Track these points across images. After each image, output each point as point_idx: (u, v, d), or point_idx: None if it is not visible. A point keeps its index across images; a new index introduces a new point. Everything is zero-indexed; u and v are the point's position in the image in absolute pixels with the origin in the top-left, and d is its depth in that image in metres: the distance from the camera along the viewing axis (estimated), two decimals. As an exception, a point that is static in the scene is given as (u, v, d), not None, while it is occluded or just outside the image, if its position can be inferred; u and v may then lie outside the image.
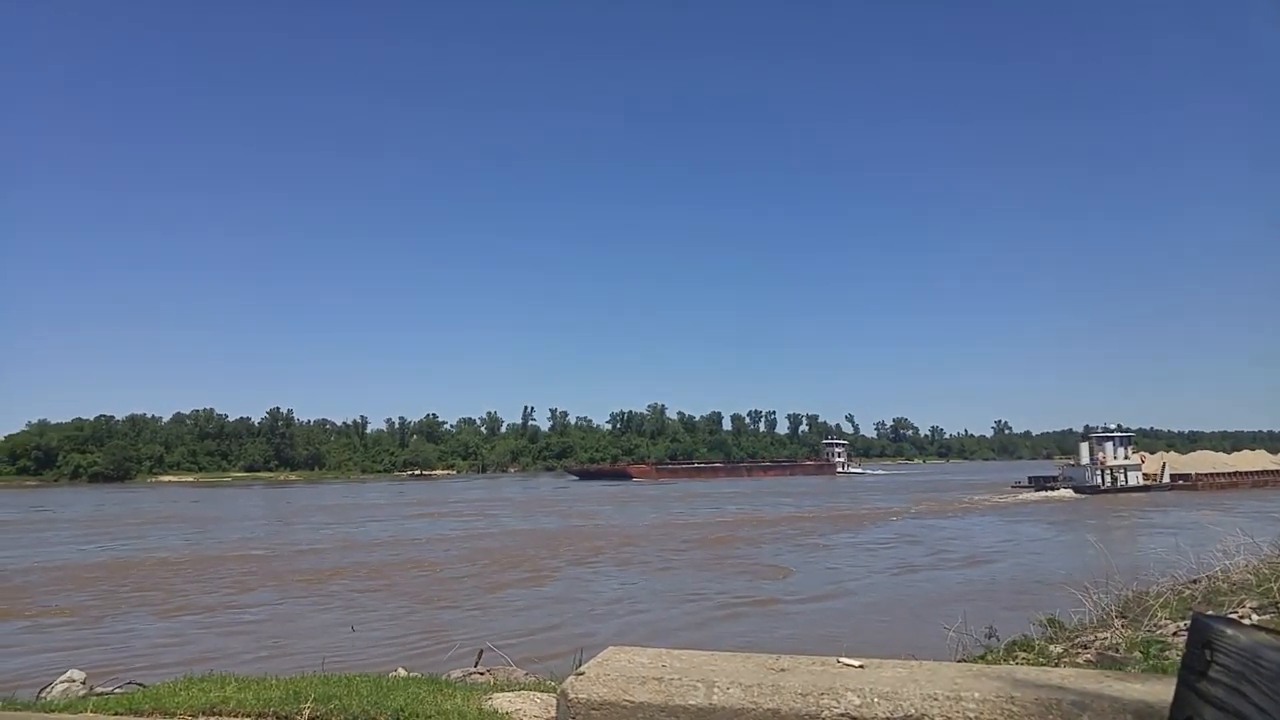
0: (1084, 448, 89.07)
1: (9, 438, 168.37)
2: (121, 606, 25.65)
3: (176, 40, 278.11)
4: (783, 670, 3.77)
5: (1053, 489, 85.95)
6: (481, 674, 9.78)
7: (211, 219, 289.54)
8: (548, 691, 6.76)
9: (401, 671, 9.74)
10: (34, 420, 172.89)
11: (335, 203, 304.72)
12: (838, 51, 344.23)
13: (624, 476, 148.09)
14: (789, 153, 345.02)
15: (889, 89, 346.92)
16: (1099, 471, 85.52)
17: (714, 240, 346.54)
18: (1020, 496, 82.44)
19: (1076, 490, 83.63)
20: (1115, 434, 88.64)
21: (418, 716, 5.86)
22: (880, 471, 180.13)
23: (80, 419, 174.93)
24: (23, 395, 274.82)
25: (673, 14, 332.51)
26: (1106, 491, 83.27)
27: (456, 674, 9.70)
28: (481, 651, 11.16)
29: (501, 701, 6.31)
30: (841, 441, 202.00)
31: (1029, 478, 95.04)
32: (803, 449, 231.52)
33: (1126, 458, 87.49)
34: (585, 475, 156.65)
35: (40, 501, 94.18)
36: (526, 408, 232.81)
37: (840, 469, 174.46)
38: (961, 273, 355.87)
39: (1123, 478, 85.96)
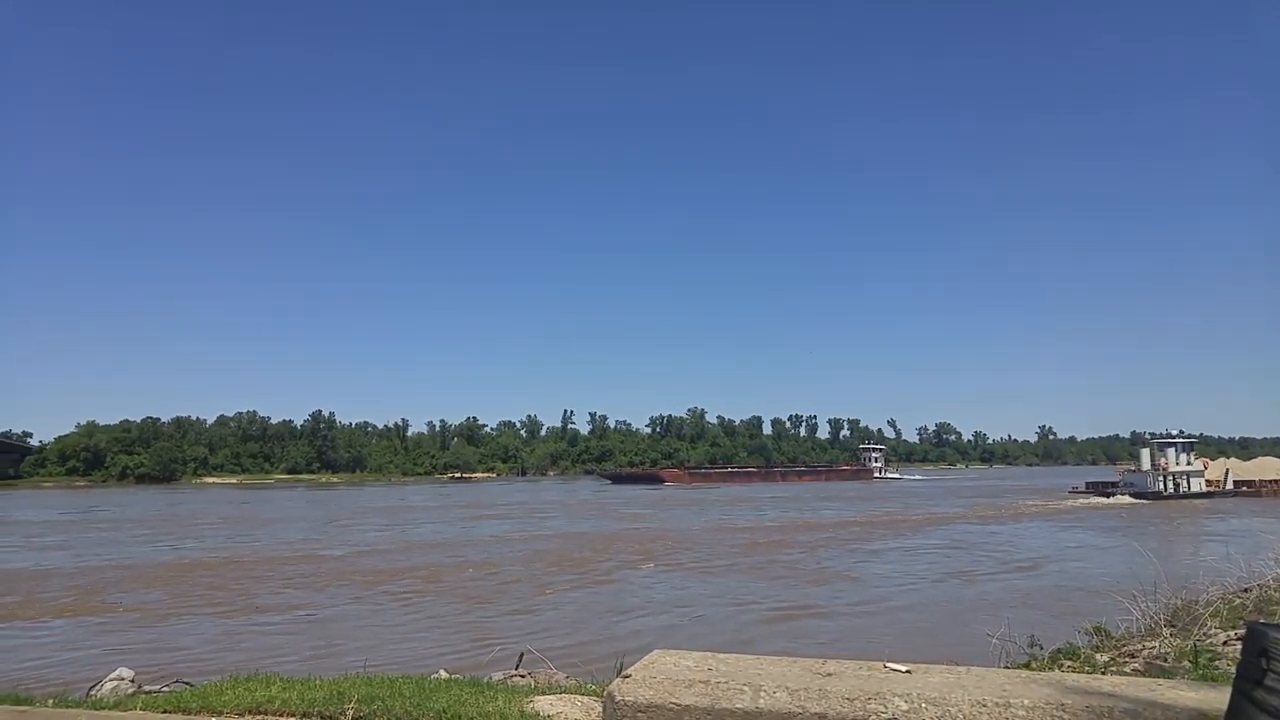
0: (1145, 453, 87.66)
1: (59, 439, 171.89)
2: (187, 606, 25.92)
3: (206, 55, 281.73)
4: (829, 674, 3.77)
5: (1113, 495, 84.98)
6: (522, 676, 9.85)
7: (254, 227, 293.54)
8: (588, 695, 6.80)
9: (443, 673, 9.83)
10: (83, 421, 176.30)
11: (375, 215, 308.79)
12: (857, 52, 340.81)
13: (656, 481, 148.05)
14: (816, 153, 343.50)
15: (903, 88, 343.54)
16: (1161, 477, 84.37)
17: (754, 243, 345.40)
18: (1078, 502, 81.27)
19: (1138, 496, 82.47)
20: (1178, 439, 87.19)
21: (460, 718, 5.92)
22: (919, 477, 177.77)
23: (128, 421, 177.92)
24: (73, 397, 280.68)
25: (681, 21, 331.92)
26: (1169, 498, 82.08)
27: (498, 676, 9.79)
28: (522, 654, 11.24)
29: (543, 704, 6.35)
30: (878, 446, 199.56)
31: (1086, 483, 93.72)
32: (844, 453, 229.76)
33: (1189, 464, 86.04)
34: (618, 479, 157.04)
35: (93, 502, 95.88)
36: (566, 411, 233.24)
37: (877, 474, 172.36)
38: (1004, 274, 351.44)
39: (1185, 484, 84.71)
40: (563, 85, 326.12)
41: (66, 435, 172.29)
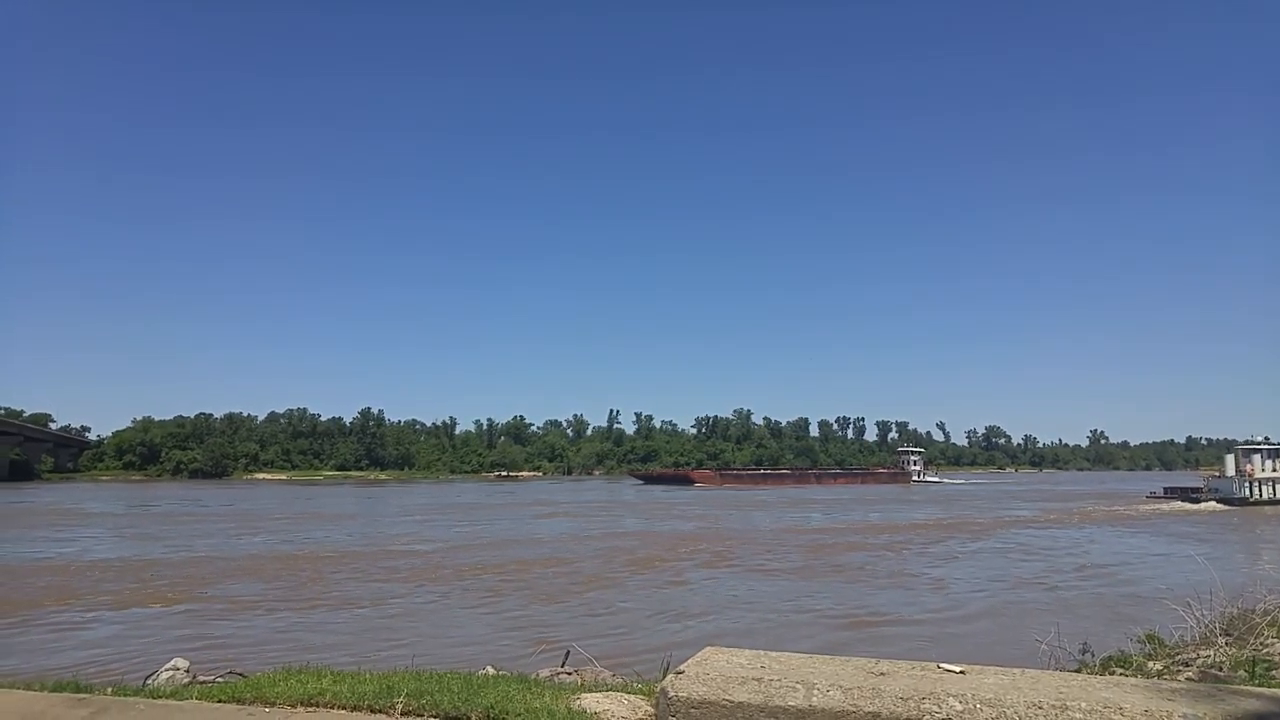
0: (1229, 459, 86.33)
1: (116, 434, 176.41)
2: (278, 599, 26.32)
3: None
4: (882, 674, 3.76)
5: (1199, 501, 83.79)
6: (569, 674, 9.88)
7: (308, 230, 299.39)
8: (635, 693, 6.79)
9: (490, 670, 9.89)
10: (139, 417, 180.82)
11: (424, 218, 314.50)
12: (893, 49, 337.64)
13: (687, 482, 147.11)
14: (856, 151, 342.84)
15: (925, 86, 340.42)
16: (1246, 483, 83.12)
17: (798, 247, 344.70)
18: (1161, 507, 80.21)
19: (1224, 502, 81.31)
20: (1263, 445, 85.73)
21: (507, 714, 5.95)
22: (960, 481, 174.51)
23: (181, 417, 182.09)
24: (129, 394, 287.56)
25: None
26: (1254, 504, 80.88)
27: (545, 673, 9.82)
28: (568, 652, 11.28)
29: (589, 701, 6.36)
30: (917, 450, 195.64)
31: (1165, 488, 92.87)
32: (889, 456, 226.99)
33: (1274, 469, 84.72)
34: (649, 479, 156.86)
35: (154, 496, 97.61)
36: (612, 411, 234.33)
37: (915, 478, 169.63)
38: (1054, 273, 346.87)
39: (1271, 490, 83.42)
40: (575, 92, 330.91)
41: (123, 430, 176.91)
